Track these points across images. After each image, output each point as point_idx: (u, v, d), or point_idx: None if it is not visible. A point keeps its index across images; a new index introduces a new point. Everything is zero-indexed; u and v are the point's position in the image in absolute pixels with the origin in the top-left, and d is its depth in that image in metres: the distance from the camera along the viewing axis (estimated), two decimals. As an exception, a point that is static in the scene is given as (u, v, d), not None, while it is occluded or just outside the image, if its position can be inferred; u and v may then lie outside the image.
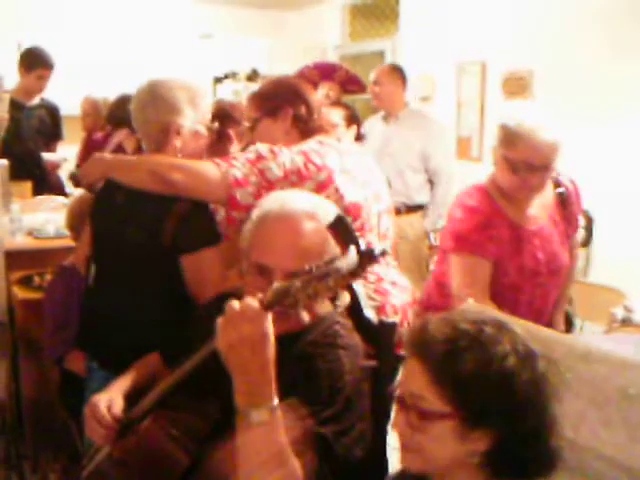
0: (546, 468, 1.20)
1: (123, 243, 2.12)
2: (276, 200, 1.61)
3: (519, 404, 1.15)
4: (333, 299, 1.16)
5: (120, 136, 4.11)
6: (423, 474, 1.28)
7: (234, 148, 2.76)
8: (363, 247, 1.16)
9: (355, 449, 1.46)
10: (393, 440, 2.46)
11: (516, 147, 2.29)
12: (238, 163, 2.05)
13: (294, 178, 2.07)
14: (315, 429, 1.39)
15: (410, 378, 1.21)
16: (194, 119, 2.15)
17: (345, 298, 1.16)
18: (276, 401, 1.27)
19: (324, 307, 1.15)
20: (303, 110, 2.30)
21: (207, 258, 2.06)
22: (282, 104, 2.30)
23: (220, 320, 1.24)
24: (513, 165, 2.30)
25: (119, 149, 4.04)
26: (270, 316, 1.23)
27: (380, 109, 4.80)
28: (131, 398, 1.65)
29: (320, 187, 2.10)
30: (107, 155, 2.21)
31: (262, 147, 2.11)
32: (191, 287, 2.07)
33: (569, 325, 2.78)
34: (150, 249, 2.06)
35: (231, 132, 2.78)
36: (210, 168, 2.04)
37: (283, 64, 6.70)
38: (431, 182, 4.66)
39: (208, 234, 2.08)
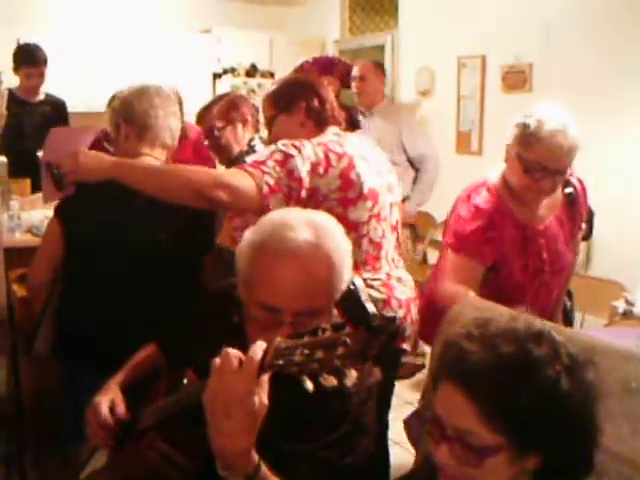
0: (589, 471, 1.16)
1: (143, 246, 2.18)
2: (274, 228, 1.45)
3: (573, 422, 1.10)
4: (340, 378, 1.08)
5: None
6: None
7: (248, 133, 3.11)
8: (376, 324, 1.07)
9: (358, 463, 1.42)
10: (392, 434, 2.48)
11: (532, 148, 2.26)
12: (268, 168, 2.05)
13: (320, 169, 2.12)
14: (321, 454, 1.35)
15: (453, 411, 1.12)
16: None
17: (353, 376, 1.09)
18: (254, 464, 1.16)
19: (329, 381, 1.08)
20: (315, 102, 2.38)
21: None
22: (294, 99, 2.39)
23: (214, 366, 1.13)
24: (526, 165, 2.27)
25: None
26: (265, 383, 1.12)
27: (361, 104, 4.92)
28: (132, 394, 1.64)
29: (343, 174, 2.15)
30: (107, 156, 2.13)
31: (285, 145, 2.12)
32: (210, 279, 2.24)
33: (567, 320, 2.77)
34: (179, 250, 2.22)
35: (247, 117, 3.11)
36: (246, 180, 2.02)
37: (282, 59, 6.70)
38: (416, 170, 4.78)
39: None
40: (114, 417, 1.56)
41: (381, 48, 6.34)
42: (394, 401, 2.55)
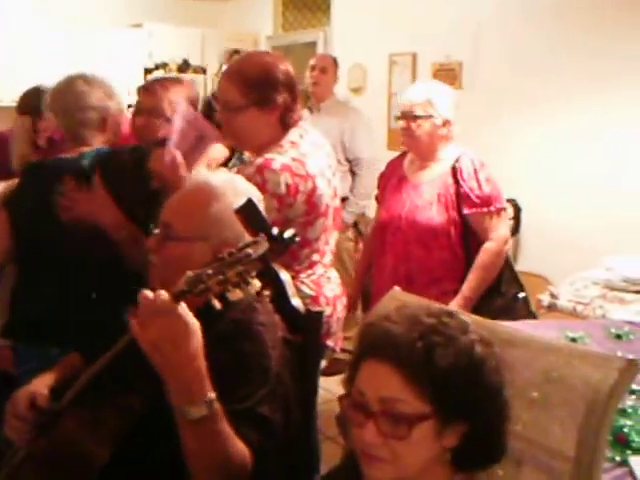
0: (503, 452, 1.22)
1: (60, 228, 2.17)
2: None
3: (488, 390, 1.17)
4: (244, 289, 1.16)
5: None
6: None
7: None
8: (275, 233, 1.16)
9: (289, 423, 1.51)
10: (324, 429, 2.48)
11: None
12: None
13: (290, 199, 2.07)
14: (255, 410, 1.40)
15: (379, 383, 1.14)
16: (119, 104, 2.38)
17: (256, 285, 1.16)
18: (212, 394, 1.24)
19: (235, 294, 1.15)
20: (290, 101, 2.14)
21: None
22: (273, 93, 2.10)
23: (133, 316, 1.20)
24: (397, 117, 2.94)
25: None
26: (186, 306, 1.21)
27: (312, 97, 4.83)
28: (56, 394, 1.62)
29: (308, 199, 2.13)
30: None
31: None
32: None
33: (529, 313, 2.86)
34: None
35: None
36: None
37: (215, 55, 6.64)
38: (353, 172, 4.65)
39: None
40: (36, 409, 1.55)
41: (313, 45, 6.35)
42: (326, 395, 2.56)
